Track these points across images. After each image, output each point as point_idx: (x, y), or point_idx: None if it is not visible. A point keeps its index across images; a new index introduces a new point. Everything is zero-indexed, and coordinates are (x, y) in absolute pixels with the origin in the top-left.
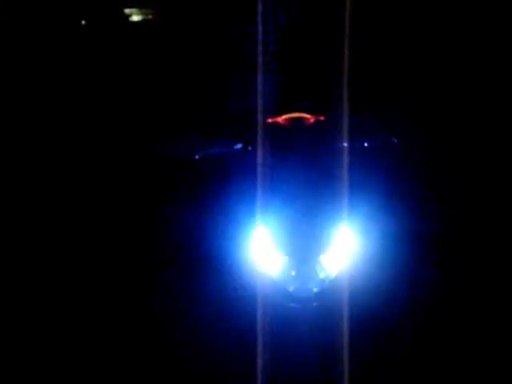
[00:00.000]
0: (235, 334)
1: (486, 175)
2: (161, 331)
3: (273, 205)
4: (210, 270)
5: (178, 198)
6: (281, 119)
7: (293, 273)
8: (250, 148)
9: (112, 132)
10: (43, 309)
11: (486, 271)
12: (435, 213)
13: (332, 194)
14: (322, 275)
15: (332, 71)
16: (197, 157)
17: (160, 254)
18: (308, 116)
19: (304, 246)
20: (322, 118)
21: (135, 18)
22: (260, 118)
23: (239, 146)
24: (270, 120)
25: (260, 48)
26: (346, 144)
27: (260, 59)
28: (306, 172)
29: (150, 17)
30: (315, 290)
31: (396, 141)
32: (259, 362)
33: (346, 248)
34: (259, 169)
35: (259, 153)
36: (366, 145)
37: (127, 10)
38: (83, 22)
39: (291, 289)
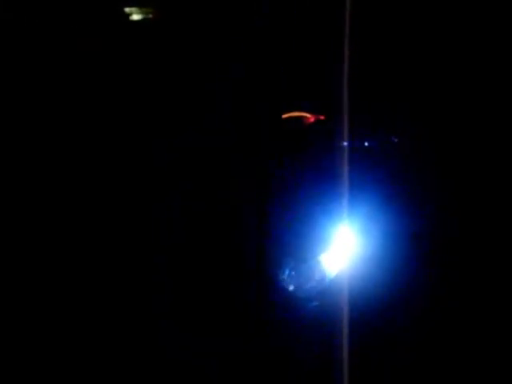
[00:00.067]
0: (235, 333)
1: (486, 175)
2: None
3: (272, 204)
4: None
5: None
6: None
7: (292, 272)
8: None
9: (112, 131)
10: (37, 307)
11: (486, 271)
12: (435, 213)
13: (332, 194)
14: (322, 275)
15: (332, 71)
16: None
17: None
18: (308, 115)
19: (304, 246)
20: (322, 117)
21: (135, 16)
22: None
23: None
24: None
25: (260, 47)
26: (346, 143)
27: (260, 58)
28: (305, 171)
29: (150, 16)
30: (315, 289)
31: (396, 140)
32: (258, 361)
33: (346, 248)
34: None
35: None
36: (366, 144)
37: (127, 9)
38: (83, 21)
39: (291, 288)
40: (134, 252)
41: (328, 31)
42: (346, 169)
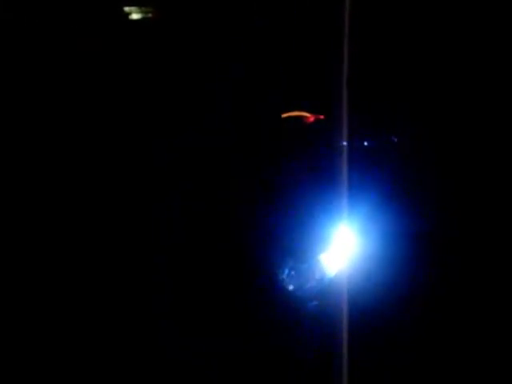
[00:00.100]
0: (235, 333)
1: (486, 175)
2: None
3: (272, 204)
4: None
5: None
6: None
7: (292, 272)
8: None
9: (112, 130)
10: (37, 307)
11: (486, 271)
12: (435, 212)
13: (331, 194)
14: (321, 274)
15: (332, 71)
16: None
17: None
18: (308, 115)
19: (304, 246)
20: (321, 116)
21: (135, 16)
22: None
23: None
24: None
25: (260, 47)
26: (345, 143)
27: (260, 58)
28: (305, 171)
29: (149, 15)
30: (315, 289)
31: (396, 140)
32: (258, 361)
33: (345, 247)
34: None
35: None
36: (365, 144)
37: (126, 8)
38: (82, 21)
39: (291, 288)
40: (134, 252)
41: (328, 31)
42: (345, 168)
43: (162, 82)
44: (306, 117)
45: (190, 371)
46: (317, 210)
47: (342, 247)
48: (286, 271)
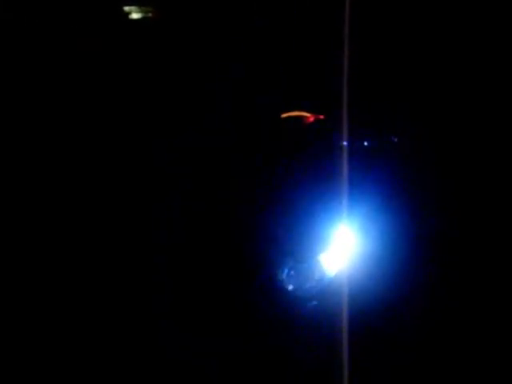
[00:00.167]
0: (234, 333)
1: (486, 175)
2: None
3: (272, 204)
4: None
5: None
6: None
7: (292, 272)
8: None
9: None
10: (37, 307)
11: (486, 271)
12: (435, 212)
13: (331, 194)
14: (321, 274)
15: (332, 71)
16: None
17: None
18: (308, 115)
19: (303, 246)
20: (321, 116)
21: (134, 15)
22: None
23: None
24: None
25: (260, 47)
26: (345, 143)
27: (260, 58)
28: (305, 171)
29: (149, 14)
30: (314, 289)
31: (396, 140)
32: (258, 361)
33: (345, 247)
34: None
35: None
36: (365, 144)
37: (126, 8)
38: (82, 20)
39: (290, 288)
40: (135, 252)
41: (328, 31)
42: (345, 168)
43: (161, 81)
44: (305, 117)
45: (190, 371)
46: (317, 210)
47: (342, 247)
48: (286, 271)
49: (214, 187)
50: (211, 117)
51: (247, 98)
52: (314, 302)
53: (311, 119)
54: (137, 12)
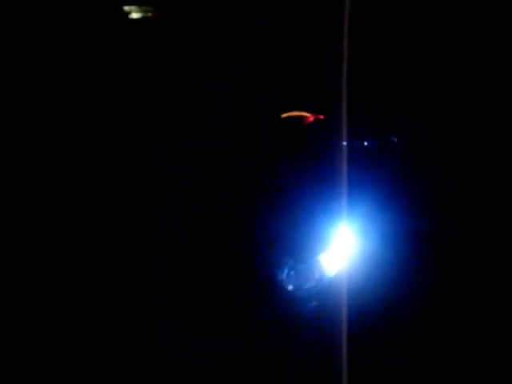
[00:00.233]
0: (234, 333)
1: (486, 175)
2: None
3: (272, 204)
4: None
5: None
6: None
7: (292, 272)
8: None
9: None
10: (37, 307)
11: (486, 271)
12: (435, 212)
13: (331, 194)
14: (321, 274)
15: (332, 70)
16: None
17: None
18: (307, 115)
19: (303, 246)
20: (321, 116)
21: (134, 15)
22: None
23: None
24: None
25: (260, 47)
26: (345, 143)
27: (260, 58)
28: (304, 171)
29: (149, 14)
30: (314, 289)
31: (395, 140)
32: (258, 361)
33: (345, 247)
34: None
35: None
36: (365, 144)
37: (126, 8)
38: (82, 20)
39: (290, 288)
40: (135, 252)
41: (327, 31)
42: (345, 168)
43: (161, 81)
44: (305, 117)
45: (190, 371)
46: (316, 210)
47: (342, 247)
48: (286, 271)
49: (214, 187)
50: (211, 117)
51: (247, 98)
52: (314, 302)
53: (311, 119)
54: (137, 12)
